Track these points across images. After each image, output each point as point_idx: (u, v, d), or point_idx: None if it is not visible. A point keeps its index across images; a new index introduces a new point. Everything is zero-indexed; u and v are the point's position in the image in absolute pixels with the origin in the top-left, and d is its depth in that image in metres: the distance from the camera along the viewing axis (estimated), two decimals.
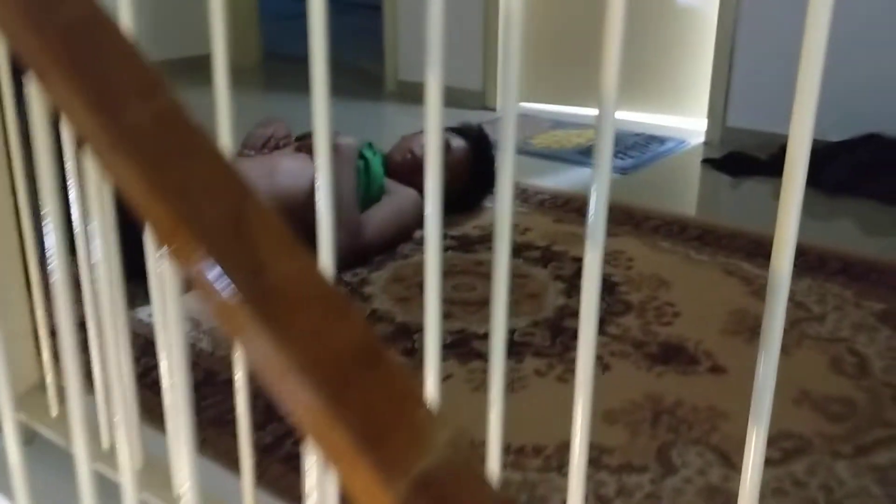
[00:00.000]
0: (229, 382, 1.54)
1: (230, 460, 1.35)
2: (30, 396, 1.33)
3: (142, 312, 1.84)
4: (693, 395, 1.53)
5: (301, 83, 4.28)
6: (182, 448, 0.98)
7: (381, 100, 3.99)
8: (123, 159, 0.56)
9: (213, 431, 1.42)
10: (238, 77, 4.46)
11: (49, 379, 1.27)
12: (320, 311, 0.54)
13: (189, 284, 0.59)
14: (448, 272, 2.05)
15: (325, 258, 0.73)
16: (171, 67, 4.33)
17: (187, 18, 4.43)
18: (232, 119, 0.81)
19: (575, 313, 1.82)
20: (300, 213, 2.10)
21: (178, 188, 0.56)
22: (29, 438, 1.31)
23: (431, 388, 0.80)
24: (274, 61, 4.87)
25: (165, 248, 0.57)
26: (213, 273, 0.54)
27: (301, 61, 4.69)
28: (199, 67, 4.46)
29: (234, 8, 4.46)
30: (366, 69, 4.42)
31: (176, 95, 0.60)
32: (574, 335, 1.78)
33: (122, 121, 0.57)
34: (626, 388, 1.56)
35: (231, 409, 1.49)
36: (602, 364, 1.63)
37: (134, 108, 0.57)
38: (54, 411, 1.24)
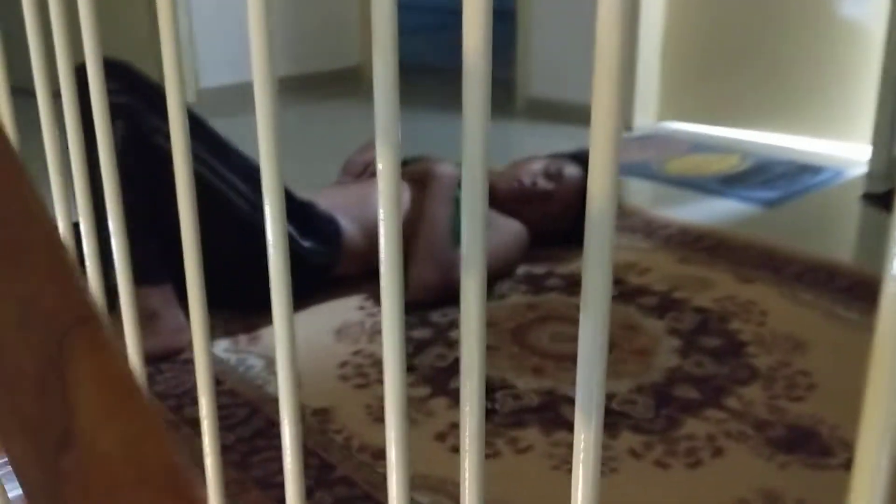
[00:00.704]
0: None
1: None
2: None
3: (216, 347, 1.74)
4: (821, 497, 1.26)
5: (430, 97, 4.19)
6: None
7: (511, 117, 3.80)
8: None
9: (257, 495, 1.28)
10: (362, 91, 4.41)
11: None
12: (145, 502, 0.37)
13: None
14: (546, 318, 1.84)
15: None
16: (312, 81, 4.33)
17: (329, 32, 4.42)
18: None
19: (689, 379, 1.57)
20: None
21: None
22: None
23: None
24: (408, 73, 4.78)
25: None
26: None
27: (433, 72, 4.54)
28: (346, 80, 4.44)
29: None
30: (496, 81, 4.26)
31: (15, 172, 0.44)
32: (685, 407, 1.54)
33: None
34: (738, 481, 1.30)
35: (281, 470, 1.35)
36: (713, 447, 1.38)
37: None
38: None
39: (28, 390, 0.37)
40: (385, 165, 0.53)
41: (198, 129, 1.73)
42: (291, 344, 0.68)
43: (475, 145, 0.46)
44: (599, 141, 0.39)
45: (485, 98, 0.45)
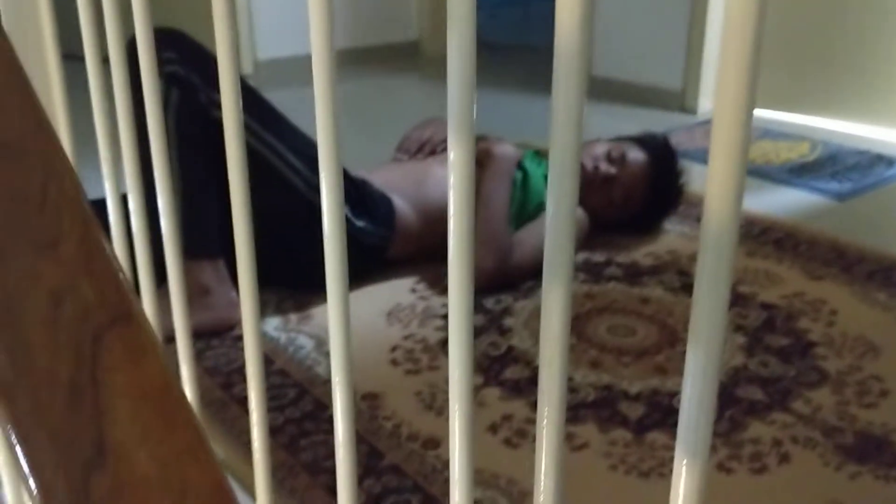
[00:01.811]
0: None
1: None
2: None
3: (267, 325, 1.72)
4: None
5: (498, 75, 4.11)
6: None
7: None
8: None
9: (305, 480, 1.25)
10: (429, 65, 4.35)
11: None
12: None
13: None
14: (605, 309, 1.77)
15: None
16: (374, 55, 4.29)
17: (387, 4, 4.36)
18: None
19: (755, 379, 1.50)
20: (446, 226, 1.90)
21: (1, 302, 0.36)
22: None
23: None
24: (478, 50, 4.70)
25: None
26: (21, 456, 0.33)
27: (501, 50, 4.47)
28: (404, 54, 4.39)
29: None
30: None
31: (52, 157, 0.40)
32: (750, 409, 1.46)
33: None
34: (805, 490, 1.23)
35: (330, 455, 1.32)
36: (780, 453, 1.31)
37: None
38: None
39: (58, 397, 0.33)
40: (458, 153, 0.48)
41: (253, 102, 1.70)
42: (346, 328, 0.63)
43: (567, 134, 0.40)
44: (721, 147, 0.33)
45: (580, 86, 0.40)
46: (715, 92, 0.33)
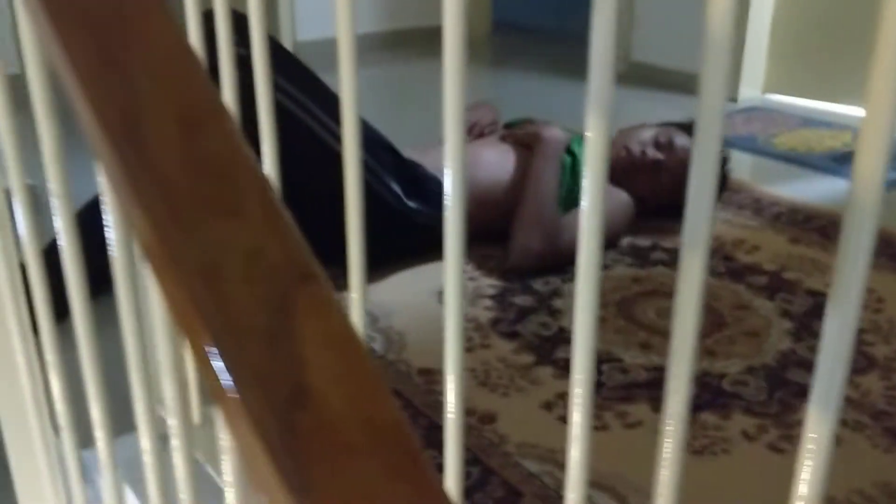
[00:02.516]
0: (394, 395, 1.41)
1: None
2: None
3: None
4: None
5: (530, 58, 4.12)
6: None
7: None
8: (142, 212, 0.40)
9: None
10: (475, 49, 4.37)
11: (192, 382, 1.20)
12: (376, 466, 0.36)
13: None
14: (653, 293, 1.80)
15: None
16: (403, 38, 4.32)
17: None
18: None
19: (803, 363, 1.52)
20: (497, 209, 1.94)
21: (203, 264, 0.39)
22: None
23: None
24: (503, 33, 4.72)
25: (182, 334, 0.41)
26: (232, 393, 0.37)
27: (532, 33, 4.48)
28: (430, 38, 4.41)
29: None
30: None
31: (229, 128, 0.44)
32: (800, 392, 1.49)
33: (148, 161, 0.41)
34: (855, 471, 1.26)
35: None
36: None
37: (167, 147, 0.41)
38: (196, 417, 1.17)
39: (259, 343, 0.37)
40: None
41: (301, 75, 1.73)
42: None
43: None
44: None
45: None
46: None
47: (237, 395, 0.36)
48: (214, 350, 0.37)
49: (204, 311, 0.37)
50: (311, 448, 0.35)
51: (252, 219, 0.40)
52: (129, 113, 0.42)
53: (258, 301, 0.38)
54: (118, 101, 0.42)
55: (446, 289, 0.61)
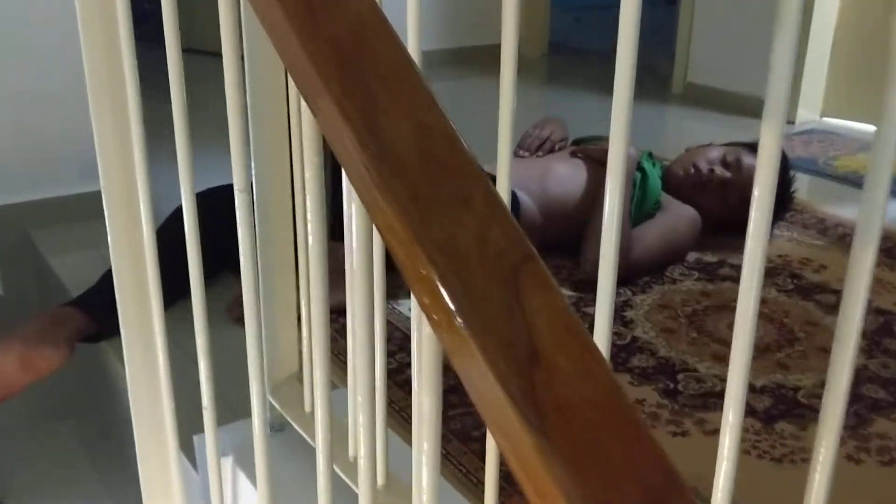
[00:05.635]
0: None
1: (470, 483, 1.28)
2: (287, 385, 1.33)
3: (404, 305, 1.83)
4: None
5: (584, 78, 4.18)
6: (423, 471, 0.90)
7: (666, 102, 3.76)
8: (389, 198, 0.47)
9: (456, 447, 1.35)
10: (521, 68, 4.42)
11: (306, 371, 1.26)
12: (600, 417, 0.42)
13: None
14: (724, 307, 1.84)
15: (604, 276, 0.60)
16: (462, 56, 4.40)
17: (480, 7, 4.46)
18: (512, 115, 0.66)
19: (876, 379, 1.55)
20: (569, 221, 1.99)
21: (443, 244, 0.46)
22: (281, 425, 1.31)
23: None
24: (559, 54, 4.79)
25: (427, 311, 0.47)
26: (476, 358, 0.44)
27: (586, 54, 4.52)
28: (488, 57, 4.49)
29: None
30: (651, 67, 4.20)
31: (450, 129, 0.50)
32: (874, 406, 1.52)
33: (390, 153, 0.48)
34: None
35: (479, 424, 1.42)
36: (889, 454, 1.37)
37: (403, 143, 0.48)
38: (308, 406, 1.23)
39: (498, 314, 0.43)
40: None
41: None
42: None
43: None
44: None
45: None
46: None
47: (484, 358, 0.42)
48: (460, 321, 0.43)
49: (449, 285, 0.43)
50: (548, 400, 0.41)
51: (478, 207, 0.47)
52: (369, 112, 0.48)
53: (493, 278, 0.44)
54: (358, 102, 0.49)
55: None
